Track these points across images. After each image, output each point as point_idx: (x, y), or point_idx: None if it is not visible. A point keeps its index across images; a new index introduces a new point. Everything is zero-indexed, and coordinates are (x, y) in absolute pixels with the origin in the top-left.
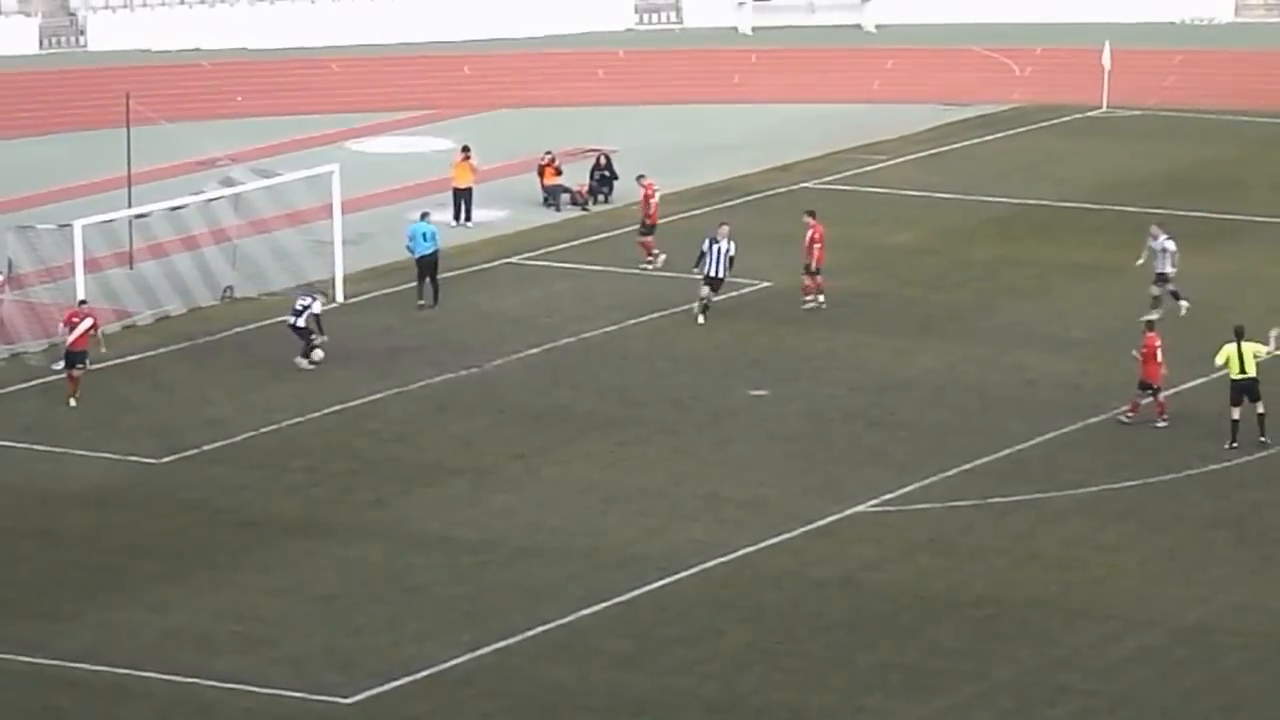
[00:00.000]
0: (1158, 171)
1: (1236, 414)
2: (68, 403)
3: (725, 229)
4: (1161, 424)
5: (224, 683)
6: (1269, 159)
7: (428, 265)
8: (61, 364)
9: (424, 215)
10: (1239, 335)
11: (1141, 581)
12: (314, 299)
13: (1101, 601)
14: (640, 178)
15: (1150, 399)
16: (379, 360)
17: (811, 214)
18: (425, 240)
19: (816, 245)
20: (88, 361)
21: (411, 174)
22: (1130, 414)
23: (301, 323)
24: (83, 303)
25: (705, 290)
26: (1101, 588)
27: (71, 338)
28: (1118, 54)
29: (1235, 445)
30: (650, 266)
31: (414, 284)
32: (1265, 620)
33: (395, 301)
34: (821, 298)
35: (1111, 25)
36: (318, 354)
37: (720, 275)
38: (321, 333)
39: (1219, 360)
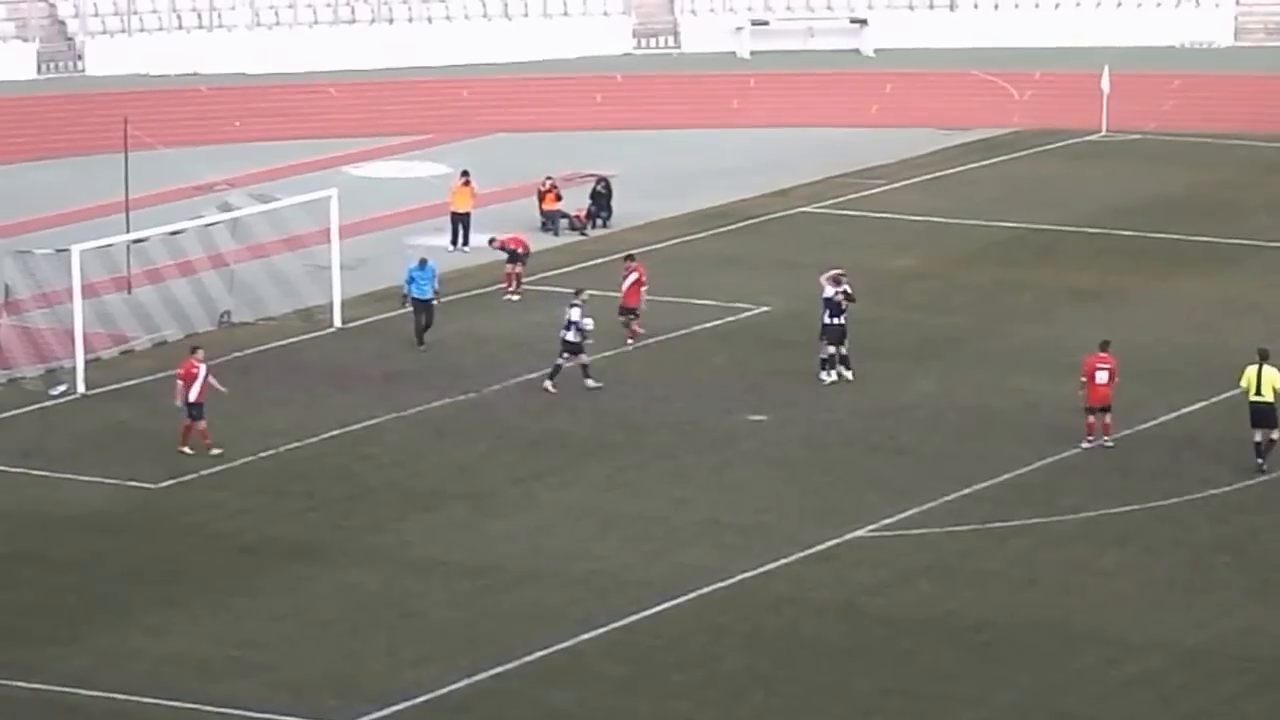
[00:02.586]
0: (1157, 195)
1: (1259, 435)
2: (210, 452)
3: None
4: (1086, 445)
5: (222, 708)
6: (1269, 183)
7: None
8: (61, 388)
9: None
10: (1263, 358)
11: (1142, 606)
12: (577, 305)
13: (1102, 626)
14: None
15: (1098, 417)
16: (377, 385)
17: (631, 257)
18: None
19: (643, 288)
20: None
21: (410, 198)
22: (1102, 437)
23: (572, 336)
24: (195, 350)
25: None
26: (1102, 612)
27: (194, 393)
28: (1117, 78)
29: (1262, 465)
30: (516, 298)
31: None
32: (1266, 644)
33: (393, 326)
34: (631, 341)
35: (1110, 49)
36: (590, 381)
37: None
38: (585, 339)
39: (1242, 383)
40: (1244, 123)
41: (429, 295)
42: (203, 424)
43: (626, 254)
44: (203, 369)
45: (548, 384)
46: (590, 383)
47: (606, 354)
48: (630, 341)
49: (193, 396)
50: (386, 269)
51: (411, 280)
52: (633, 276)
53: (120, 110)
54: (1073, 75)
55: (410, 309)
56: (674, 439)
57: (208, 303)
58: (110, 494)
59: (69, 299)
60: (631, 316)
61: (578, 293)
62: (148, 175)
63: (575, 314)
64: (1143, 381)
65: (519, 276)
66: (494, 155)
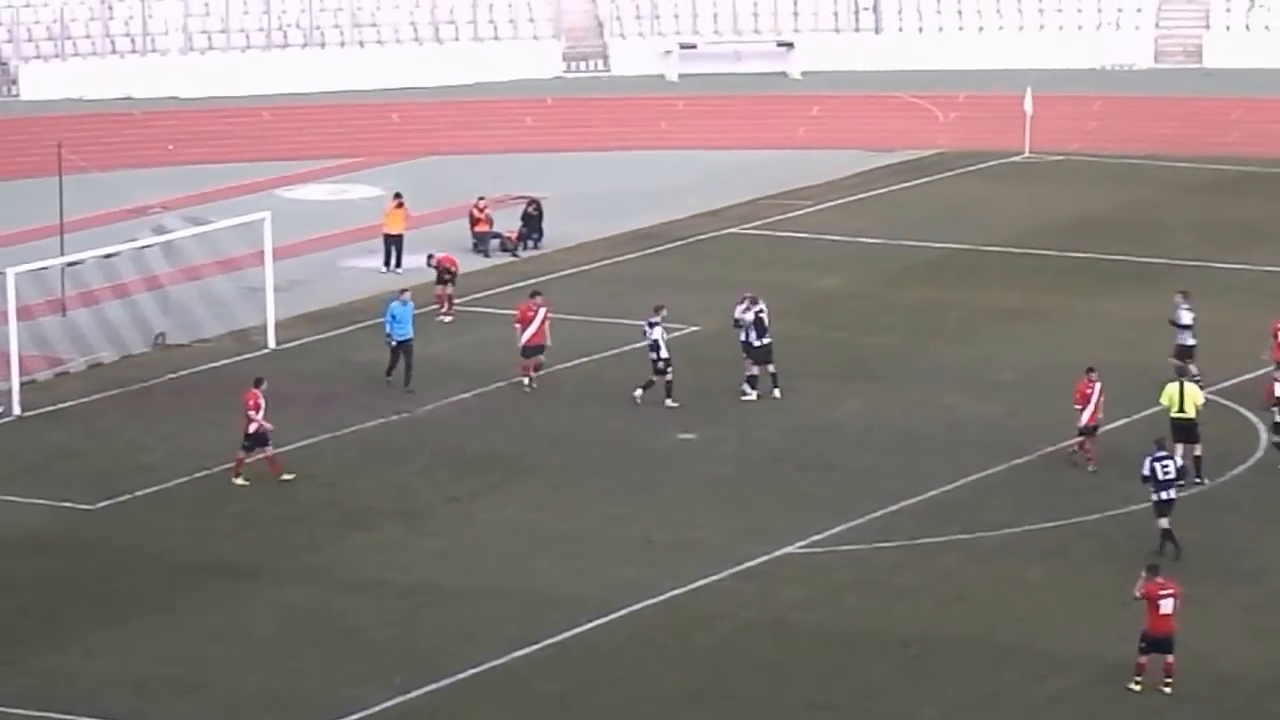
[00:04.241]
0: (1080, 215)
1: (1180, 450)
2: (281, 479)
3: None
4: (1090, 468)
5: None
6: (1189, 202)
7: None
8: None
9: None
10: (1180, 374)
11: (1066, 620)
12: (659, 324)
13: (1027, 640)
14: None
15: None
16: (311, 406)
17: (537, 293)
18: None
19: (547, 324)
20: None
21: (343, 221)
22: (1088, 458)
23: (665, 354)
24: (260, 382)
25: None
26: (1027, 627)
27: (258, 421)
28: (1039, 100)
29: (1182, 483)
30: (449, 319)
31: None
32: (1187, 659)
33: (327, 347)
34: (531, 380)
35: (1033, 71)
36: (670, 401)
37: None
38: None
39: (1163, 400)
40: (1165, 143)
41: (410, 335)
42: (270, 450)
43: (532, 291)
44: (263, 401)
45: (668, 401)
46: (670, 402)
47: (494, 386)
48: (531, 382)
49: (252, 428)
50: (320, 291)
51: (394, 319)
52: (543, 312)
53: (54, 134)
54: (996, 98)
55: (392, 347)
56: (605, 457)
57: (142, 324)
58: (46, 515)
59: (3, 322)
60: (539, 355)
61: (658, 310)
62: (82, 198)
63: (658, 333)
64: (1066, 399)
65: (451, 298)
66: (426, 178)
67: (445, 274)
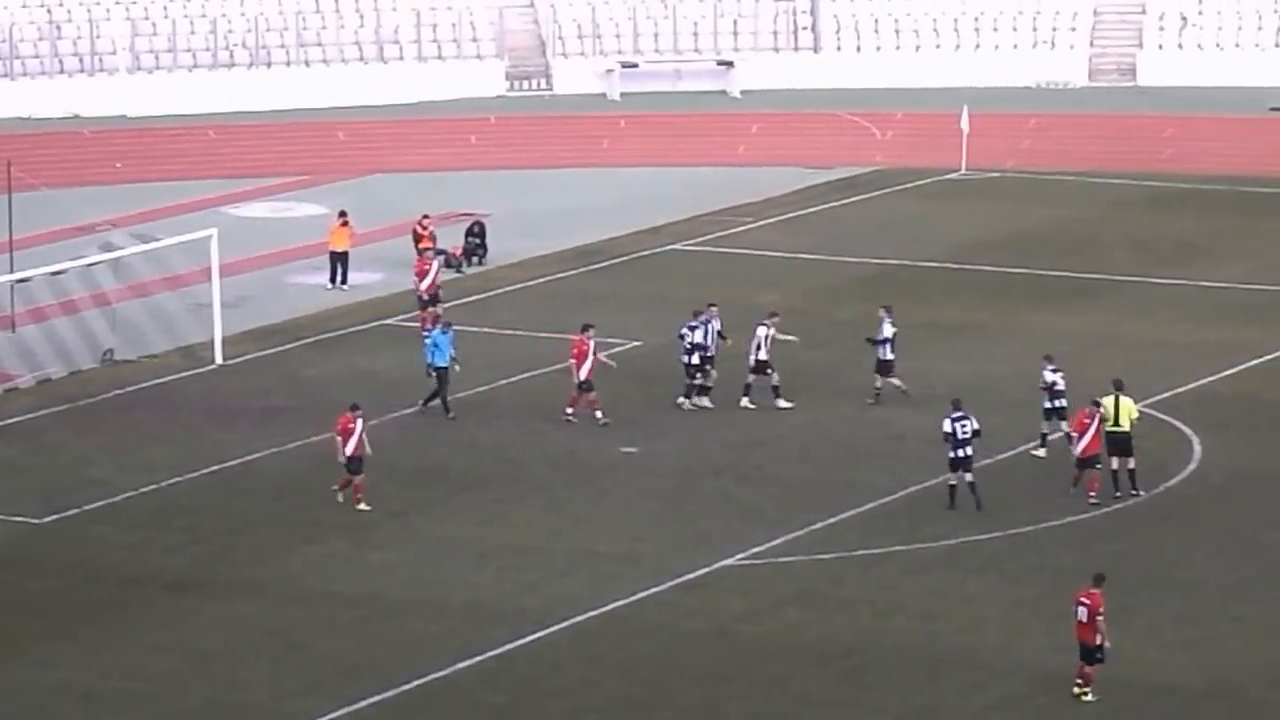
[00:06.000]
0: (1016, 232)
1: (1115, 464)
2: (357, 506)
3: (714, 309)
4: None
5: None
6: (1124, 219)
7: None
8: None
9: (447, 325)
10: (1118, 388)
11: (1004, 631)
12: (766, 324)
13: (966, 651)
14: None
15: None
16: (257, 420)
17: (589, 327)
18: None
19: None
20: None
21: (288, 238)
22: (1088, 491)
23: (764, 354)
24: (355, 407)
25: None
26: (966, 637)
27: (351, 447)
28: (975, 118)
29: (1118, 494)
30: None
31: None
32: (1122, 668)
33: (273, 363)
34: (599, 413)
35: (969, 90)
36: (686, 402)
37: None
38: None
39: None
40: (1099, 160)
41: (448, 363)
42: (359, 478)
43: (584, 325)
44: (359, 425)
45: (745, 401)
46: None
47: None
48: (601, 416)
49: (350, 451)
50: (266, 307)
51: (437, 347)
52: (591, 344)
53: (3, 152)
54: (933, 115)
55: (432, 376)
56: (549, 471)
57: (91, 341)
58: None
59: None
60: (592, 390)
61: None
62: (31, 216)
63: (774, 332)
64: (1003, 412)
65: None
66: (371, 195)
67: (435, 298)
